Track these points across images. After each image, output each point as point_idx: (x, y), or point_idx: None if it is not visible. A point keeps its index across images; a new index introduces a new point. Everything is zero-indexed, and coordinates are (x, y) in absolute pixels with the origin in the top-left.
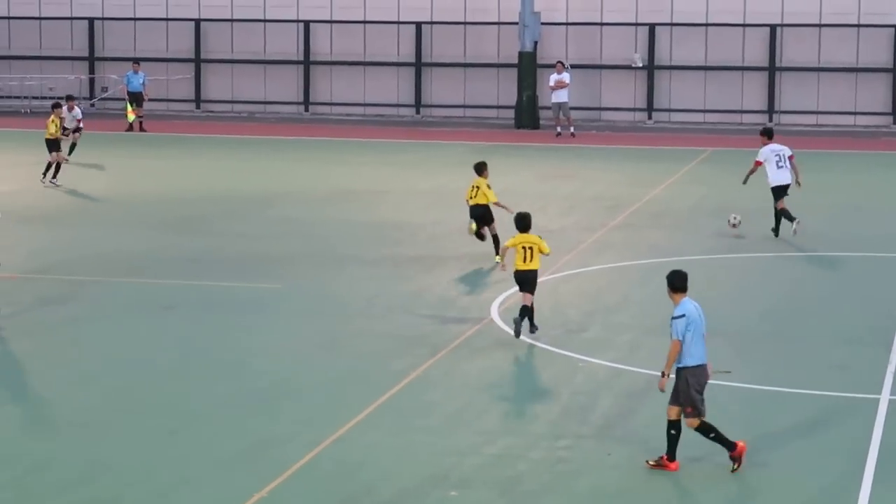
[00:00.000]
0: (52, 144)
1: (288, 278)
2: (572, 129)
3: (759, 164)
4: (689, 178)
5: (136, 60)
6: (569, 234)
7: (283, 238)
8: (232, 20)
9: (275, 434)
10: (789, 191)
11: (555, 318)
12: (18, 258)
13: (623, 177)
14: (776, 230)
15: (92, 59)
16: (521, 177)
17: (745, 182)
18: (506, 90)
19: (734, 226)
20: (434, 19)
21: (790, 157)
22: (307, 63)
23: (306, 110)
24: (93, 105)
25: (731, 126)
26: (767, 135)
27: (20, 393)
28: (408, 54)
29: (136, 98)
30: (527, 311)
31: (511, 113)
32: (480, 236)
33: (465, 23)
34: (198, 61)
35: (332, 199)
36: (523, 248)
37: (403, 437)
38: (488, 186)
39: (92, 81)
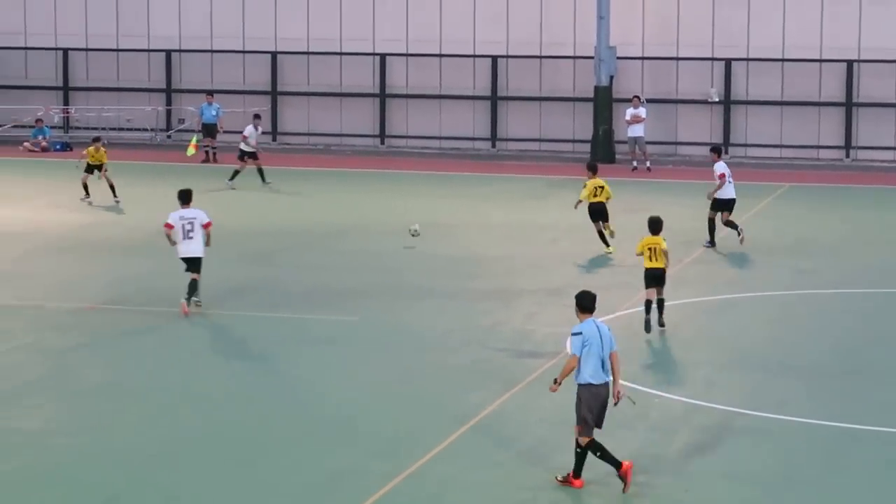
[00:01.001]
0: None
1: (363, 311)
2: (648, 164)
3: (723, 177)
4: (765, 214)
5: (210, 92)
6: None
7: (359, 270)
8: (308, 53)
9: (349, 467)
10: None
11: (630, 353)
12: (95, 289)
13: (699, 212)
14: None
15: (169, 91)
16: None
17: (708, 198)
18: (581, 124)
19: (414, 235)
20: (510, 53)
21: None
22: (383, 96)
23: (382, 143)
24: (169, 136)
25: (808, 161)
26: (717, 152)
27: (96, 423)
28: (483, 88)
29: (209, 130)
30: (661, 304)
31: (587, 147)
32: None
33: (540, 56)
34: (274, 94)
35: (406, 232)
36: (650, 248)
37: (478, 472)
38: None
39: (168, 113)
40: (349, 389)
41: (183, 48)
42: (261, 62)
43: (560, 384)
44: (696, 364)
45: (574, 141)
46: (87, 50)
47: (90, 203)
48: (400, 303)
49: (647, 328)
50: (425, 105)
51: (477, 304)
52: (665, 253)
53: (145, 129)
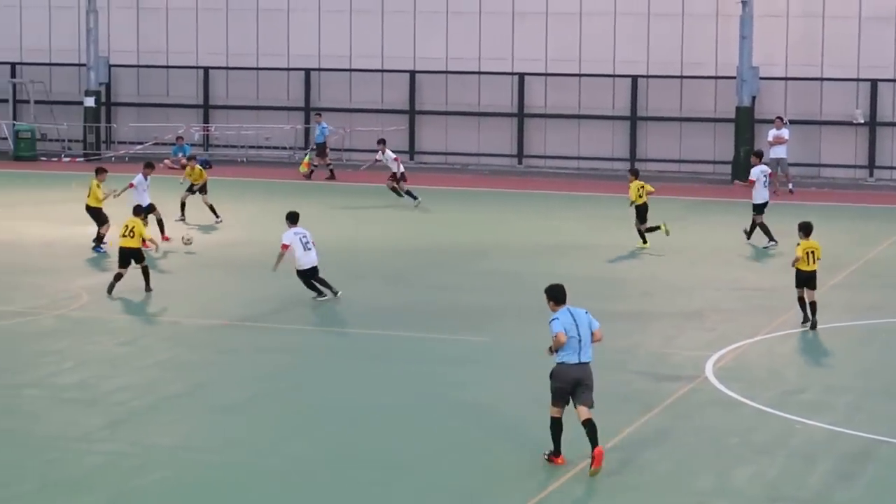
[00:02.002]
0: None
1: (496, 332)
2: (790, 186)
3: (752, 182)
4: None
5: (318, 112)
6: (785, 292)
7: (493, 291)
8: (446, 72)
9: (482, 490)
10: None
11: (771, 379)
12: (231, 306)
13: (842, 235)
14: (749, 234)
15: (307, 110)
16: (738, 233)
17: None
18: (722, 145)
19: (187, 243)
20: (650, 73)
21: (770, 175)
22: (521, 115)
23: (520, 163)
24: (307, 155)
25: None
26: (758, 156)
27: (231, 440)
28: (623, 108)
29: (320, 149)
30: (814, 307)
31: (727, 168)
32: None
33: (681, 76)
34: (412, 113)
35: (543, 253)
36: (808, 252)
37: (615, 497)
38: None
39: (307, 131)
40: (481, 411)
41: (322, 67)
42: (399, 81)
43: (553, 352)
44: (840, 390)
45: (714, 162)
46: (227, 69)
47: (184, 222)
48: (534, 324)
49: (807, 323)
50: (563, 125)
51: (614, 326)
52: (818, 259)
53: (283, 148)
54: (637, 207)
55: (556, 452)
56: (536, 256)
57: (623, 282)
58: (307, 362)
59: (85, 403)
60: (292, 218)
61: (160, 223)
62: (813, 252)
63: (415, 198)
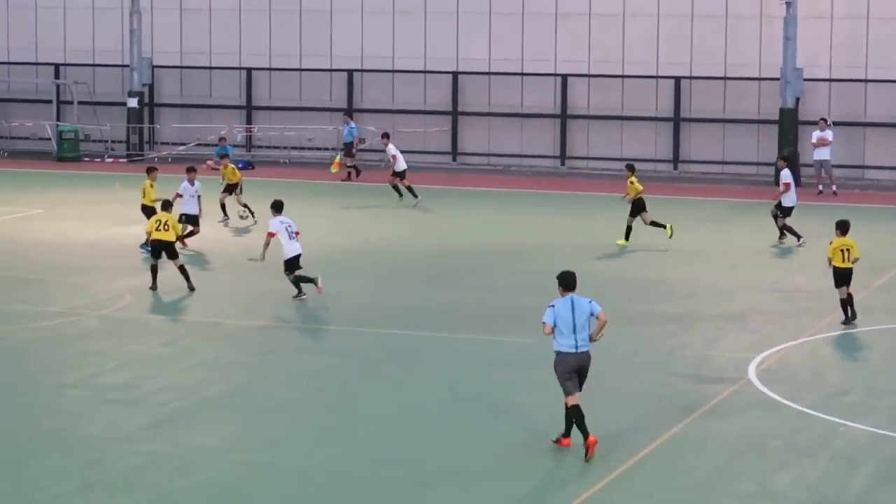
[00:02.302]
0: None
1: (541, 334)
2: (834, 188)
3: (788, 185)
4: None
5: (348, 112)
6: (829, 294)
7: (536, 292)
8: (489, 73)
9: (526, 492)
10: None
11: (814, 381)
12: (274, 307)
13: (887, 237)
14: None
15: (350, 111)
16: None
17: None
18: (765, 147)
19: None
20: (693, 74)
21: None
22: (564, 117)
23: (562, 164)
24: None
25: None
26: (785, 159)
27: (273, 440)
28: (666, 109)
29: (347, 149)
30: (850, 300)
31: (771, 170)
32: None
33: (724, 78)
34: (455, 114)
35: (586, 254)
36: (841, 250)
37: (657, 499)
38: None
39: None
40: (525, 413)
41: (365, 68)
42: (442, 82)
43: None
44: (883, 392)
45: (758, 164)
46: (270, 70)
47: (226, 224)
48: None
49: (847, 320)
50: (606, 126)
51: (657, 327)
52: (855, 259)
53: (326, 149)
54: (633, 203)
55: (566, 433)
56: (579, 258)
57: (666, 284)
58: (350, 363)
59: (127, 404)
60: (277, 206)
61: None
62: (848, 249)
63: (415, 195)
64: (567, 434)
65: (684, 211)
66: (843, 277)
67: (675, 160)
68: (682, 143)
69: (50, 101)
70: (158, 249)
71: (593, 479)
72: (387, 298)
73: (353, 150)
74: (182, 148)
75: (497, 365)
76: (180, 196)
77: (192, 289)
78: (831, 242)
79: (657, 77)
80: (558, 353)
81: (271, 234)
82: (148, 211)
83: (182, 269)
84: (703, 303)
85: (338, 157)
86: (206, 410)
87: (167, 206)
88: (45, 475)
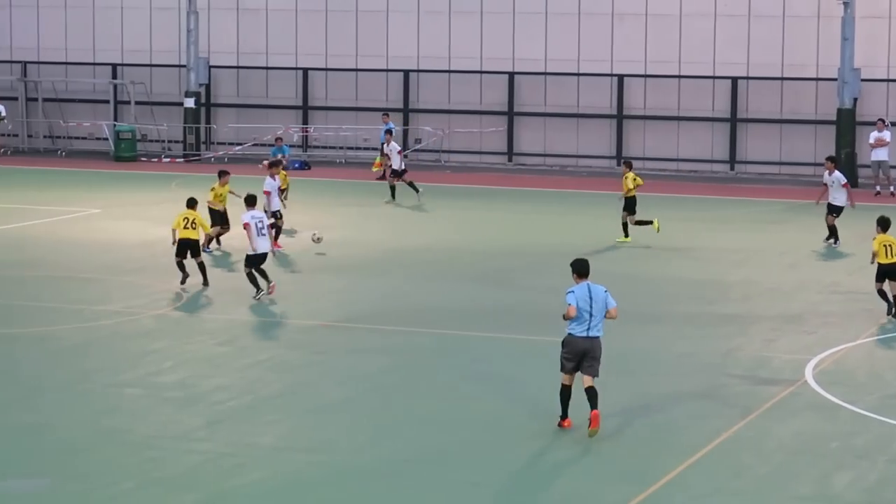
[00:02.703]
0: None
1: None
2: (892, 189)
3: (847, 185)
4: None
5: (386, 112)
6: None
7: None
8: (545, 73)
9: (582, 492)
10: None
11: (872, 383)
12: (329, 307)
13: None
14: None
15: (406, 111)
16: (840, 236)
17: (817, 203)
18: (823, 147)
19: (317, 241)
20: (750, 74)
21: (844, 185)
22: (620, 117)
23: (618, 164)
24: (405, 156)
25: None
26: (833, 161)
27: (328, 440)
28: (722, 110)
29: (384, 148)
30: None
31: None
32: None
33: (781, 78)
34: (511, 114)
35: (642, 255)
36: (885, 245)
37: (713, 500)
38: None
39: (405, 133)
40: (583, 413)
41: (421, 68)
42: (498, 82)
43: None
44: None
45: (815, 164)
46: (326, 70)
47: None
48: (634, 327)
49: (892, 311)
50: (663, 126)
51: (714, 328)
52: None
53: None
54: (627, 200)
55: (564, 416)
56: (634, 258)
57: (722, 284)
58: (405, 363)
59: (184, 403)
60: (249, 201)
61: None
62: (891, 245)
63: (417, 190)
64: (566, 416)
65: (741, 212)
66: (888, 273)
67: (732, 161)
68: (739, 143)
69: (107, 102)
70: (184, 248)
71: (649, 480)
72: (441, 299)
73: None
74: (238, 148)
75: (554, 366)
76: (269, 193)
77: (206, 284)
78: (874, 238)
79: (714, 77)
80: (569, 336)
81: (246, 224)
82: (215, 214)
83: (201, 266)
84: (760, 304)
85: (379, 157)
86: (262, 410)
87: (193, 203)
88: (104, 473)
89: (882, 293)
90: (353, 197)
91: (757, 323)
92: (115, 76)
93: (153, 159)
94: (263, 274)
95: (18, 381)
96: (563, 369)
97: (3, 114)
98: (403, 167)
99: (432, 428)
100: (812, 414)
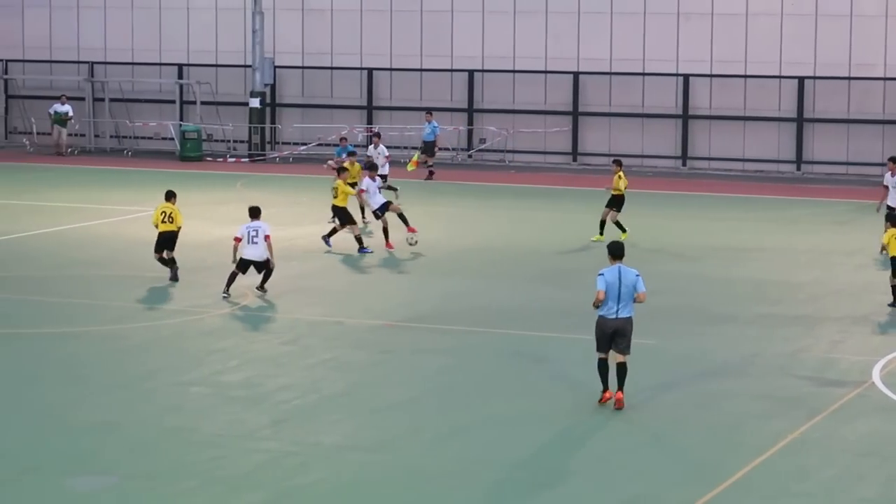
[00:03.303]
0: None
1: (662, 334)
2: None
3: (886, 189)
4: None
5: (429, 110)
6: None
7: (658, 293)
8: (610, 73)
9: (645, 493)
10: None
11: None
12: (393, 306)
13: None
14: None
15: (471, 111)
16: None
17: (878, 210)
18: (891, 147)
19: (412, 243)
20: (817, 74)
21: None
22: (685, 117)
23: (684, 165)
24: (470, 156)
25: None
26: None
27: (391, 440)
28: (789, 109)
29: (427, 147)
30: None
31: None
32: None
33: (849, 78)
34: (575, 114)
35: (708, 255)
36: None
37: (779, 502)
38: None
39: (470, 133)
40: (646, 414)
41: (485, 68)
42: (563, 82)
43: (597, 307)
44: None
45: (883, 164)
46: (391, 70)
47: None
48: (699, 327)
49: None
50: (729, 126)
51: (779, 329)
52: None
53: (446, 149)
54: (616, 197)
55: (604, 389)
56: (699, 259)
57: (789, 285)
58: (468, 363)
59: (249, 401)
60: (253, 212)
61: (402, 217)
62: None
63: (395, 189)
64: (606, 388)
65: (807, 212)
66: None
67: (798, 161)
68: (806, 143)
69: (173, 102)
70: (163, 242)
71: (715, 481)
72: (505, 298)
73: (437, 149)
74: (303, 148)
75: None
76: (365, 191)
77: (175, 279)
78: (885, 231)
79: (780, 77)
80: (600, 317)
81: (237, 239)
82: (339, 211)
83: (172, 261)
84: (827, 305)
85: (416, 156)
86: (326, 409)
87: (171, 196)
88: (168, 471)
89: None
90: (417, 196)
91: (824, 324)
92: (181, 76)
93: (218, 159)
94: (263, 283)
95: (84, 379)
96: (598, 349)
97: (71, 114)
98: (387, 171)
99: (497, 428)
100: (879, 416)
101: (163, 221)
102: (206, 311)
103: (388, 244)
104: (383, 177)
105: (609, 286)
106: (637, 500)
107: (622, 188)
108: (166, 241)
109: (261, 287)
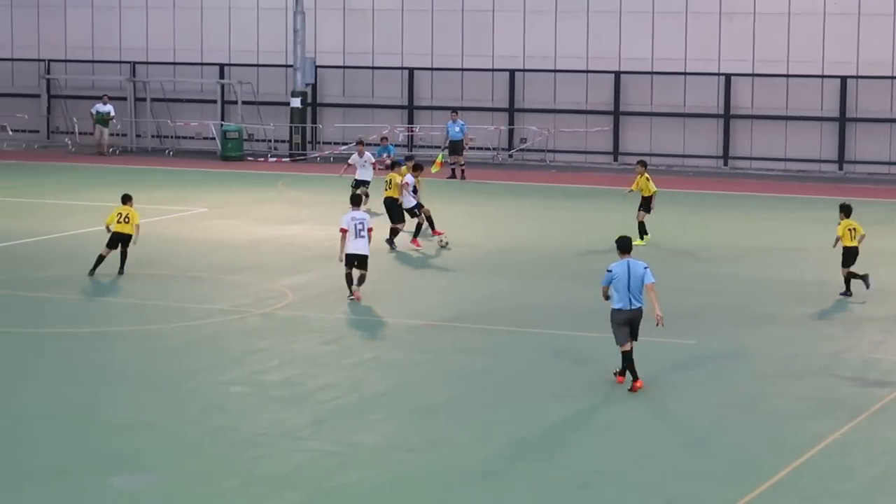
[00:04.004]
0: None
1: (702, 335)
2: None
3: None
4: None
5: (455, 110)
6: None
7: (698, 293)
8: (652, 73)
9: (689, 492)
10: None
11: None
12: (434, 306)
13: None
14: None
15: (511, 110)
16: None
17: None
18: None
19: (443, 245)
20: (860, 73)
21: None
22: (727, 117)
23: (725, 164)
24: (511, 156)
25: None
26: None
27: (432, 439)
28: (831, 109)
29: (455, 147)
30: (850, 277)
31: None
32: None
33: (892, 77)
34: (616, 113)
35: (749, 255)
36: (849, 230)
37: (822, 501)
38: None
39: (511, 132)
40: (688, 414)
41: (526, 68)
42: (604, 82)
43: (608, 298)
44: None
45: None
46: (432, 69)
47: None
48: (740, 327)
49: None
50: (770, 126)
51: (821, 330)
52: (862, 236)
53: (487, 148)
54: (644, 199)
55: (634, 378)
56: (739, 258)
57: (830, 285)
58: (510, 363)
59: (290, 401)
60: (354, 201)
61: (429, 220)
62: (854, 229)
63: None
64: (622, 374)
65: None
66: (852, 256)
67: (840, 161)
68: (848, 143)
69: (215, 101)
70: (116, 241)
71: (758, 481)
72: (545, 298)
73: (467, 148)
74: (344, 147)
75: (657, 364)
76: (408, 185)
77: (121, 273)
78: (839, 223)
79: (822, 76)
80: (613, 310)
81: (343, 230)
82: (390, 202)
83: (124, 256)
84: (868, 305)
85: (441, 156)
86: (367, 409)
87: (127, 199)
88: (209, 470)
89: (849, 277)
90: (458, 196)
91: (865, 324)
92: (222, 76)
93: (259, 159)
94: (360, 278)
95: (126, 378)
96: (617, 341)
97: (113, 114)
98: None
99: (537, 428)
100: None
101: (118, 222)
102: (247, 310)
103: (434, 231)
104: (366, 182)
105: (618, 280)
106: (679, 500)
107: (652, 189)
108: (120, 240)
109: (359, 282)
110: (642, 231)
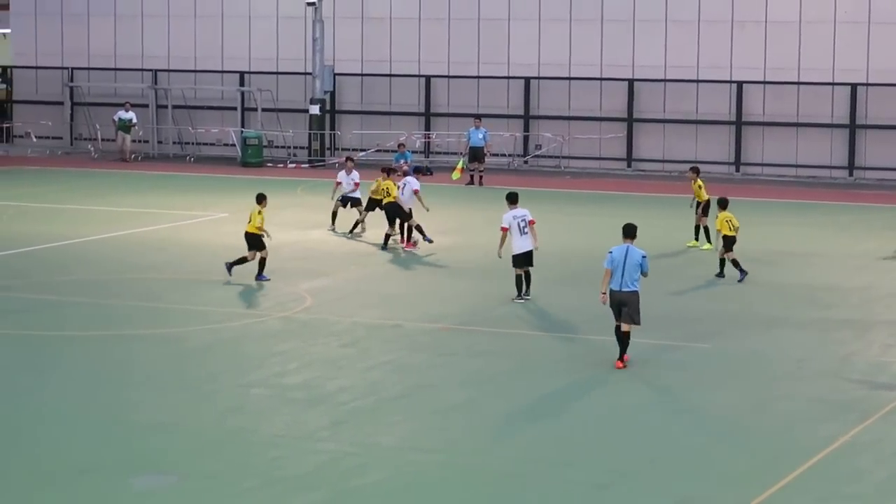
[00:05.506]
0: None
1: (715, 338)
2: None
3: None
4: None
5: (478, 116)
6: None
7: (711, 298)
8: (665, 80)
9: (700, 493)
10: None
11: None
12: (451, 309)
13: None
14: None
15: (527, 117)
16: None
17: None
18: None
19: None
20: (870, 81)
21: None
22: (739, 123)
23: (737, 170)
24: (526, 162)
25: None
26: None
27: (450, 441)
28: (842, 116)
29: (476, 154)
30: (736, 262)
31: None
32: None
33: None
34: (630, 120)
35: (761, 260)
36: (726, 221)
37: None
38: None
39: (526, 139)
40: (700, 417)
41: (541, 75)
42: (617, 89)
43: (604, 294)
44: None
45: None
46: (448, 77)
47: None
48: (752, 331)
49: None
50: (782, 133)
51: (831, 334)
52: (737, 227)
53: (503, 155)
54: (700, 204)
55: (620, 355)
56: (753, 264)
57: (841, 290)
58: (526, 366)
59: (309, 403)
60: (511, 198)
61: (419, 228)
62: (730, 220)
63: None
64: (620, 358)
65: (860, 218)
66: (731, 242)
67: (851, 167)
68: (858, 149)
69: (235, 108)
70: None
71: (768, 483)
72: (560, 301)
73: (485, 156)
74: (362, 154)
75: (670, 370)
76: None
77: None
78: (717, 217)
79: (833, 84)
80: (610, 290)
81: (504, 229)
82: (394, 207)
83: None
84: (878, 309)
85: (461, 163)
86: (385, 410)
87: (260, 199)
88: (229, 471)
89: (723, 261)
90: (475, 201)
91: (875, 328)
92: (242, 83)
93: (279, 165)
94: (527, 280)
95: (147, 381)
96: (616, 318)
97: (135, 121)
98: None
99: (557, 430)
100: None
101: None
102: (266, 314)
103: (423, 238)
104: (355, 200)
105: (615, 262)
106: (690, 501)
107: (704, 196)
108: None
109: (527, 293)
110: (706, 235)
